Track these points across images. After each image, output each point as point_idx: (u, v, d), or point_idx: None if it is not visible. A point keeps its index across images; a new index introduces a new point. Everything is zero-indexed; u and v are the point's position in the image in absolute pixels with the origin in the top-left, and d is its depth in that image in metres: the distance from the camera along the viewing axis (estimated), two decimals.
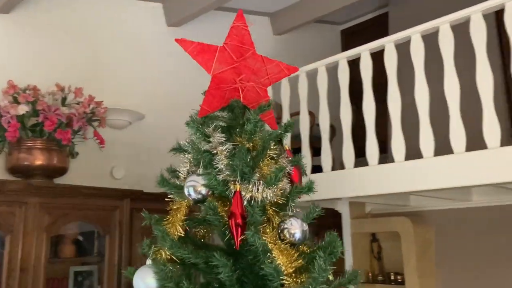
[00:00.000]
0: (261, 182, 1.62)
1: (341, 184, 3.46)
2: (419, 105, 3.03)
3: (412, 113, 3.08)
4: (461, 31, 3.00)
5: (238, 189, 1.59)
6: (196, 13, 4.09)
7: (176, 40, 1.94)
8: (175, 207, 1.71)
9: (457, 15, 2.96)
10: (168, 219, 1.68)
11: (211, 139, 1.69)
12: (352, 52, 3.58)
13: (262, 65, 2.00)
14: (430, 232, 4.09)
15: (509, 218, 3.82)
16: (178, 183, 1.76)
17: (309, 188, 1.80)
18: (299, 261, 1.53)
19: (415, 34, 3.18)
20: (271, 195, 1.62)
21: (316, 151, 3.86)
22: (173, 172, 1.86)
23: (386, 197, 3.87)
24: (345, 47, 6.00)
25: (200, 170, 1.68)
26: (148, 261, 1.62)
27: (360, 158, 3.43)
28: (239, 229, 1.53)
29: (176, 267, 1.64)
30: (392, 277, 4.27)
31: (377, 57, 3.44)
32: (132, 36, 3.94)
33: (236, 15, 2.09)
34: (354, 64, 3.60)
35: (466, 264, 3.84)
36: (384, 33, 5.25)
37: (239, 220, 1.53)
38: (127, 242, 2.86)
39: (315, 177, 3.38)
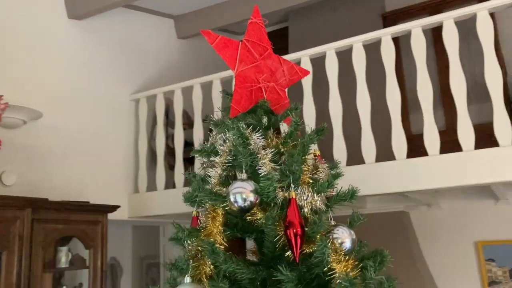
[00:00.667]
0: (310, 188, 1.51)
1: None
2: (332, 117, 3.23)
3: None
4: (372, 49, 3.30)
5: (293, 196, 1.43)
6: (101, 8, 3.82)
7: (202, 31, 1.76)
8: (209, 216, 1.50)
9: (370, 36, 3.24)
10: (205, 230, 1.47)
11: (251, 141, 1.54)
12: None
13: (279, 65, 1.90)
14: None
15: (395, 223, 4.24)
16: (209, 188, 1.56)
17: (352, 195, 1.65)
18: (355, 272, 1.39)
19: (330, 50, 3.36)
20: (320, 202, 1.50)
21: None
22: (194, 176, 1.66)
23: None
24: None
25: (244, 175, 1.51)
26: (187, 279, 1.38)
27: None
28: (299, 240, 1.37)
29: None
30: None
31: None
32: (31, 28, 3.53)
33: (253, 10, 1.95)
34: None
35: None
36: (285, 46, 5.51)
37: (299, 230, 1.37)
38: (27, 259, 2.51)
39: None
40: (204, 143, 1.79)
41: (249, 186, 1.50)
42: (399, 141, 2.98)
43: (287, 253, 1.43)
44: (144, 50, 4.62)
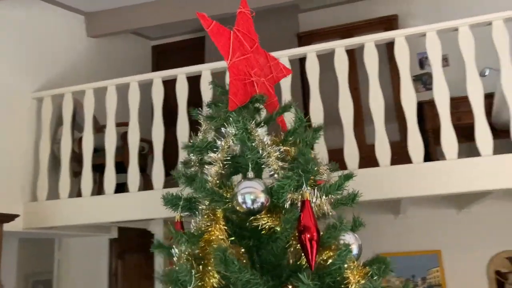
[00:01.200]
0: (318, 190, 1.36)
1: (154, 204, 3.34)
2: None
3: None
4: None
5: (307, 198, 1.30)
6: None
7: (198, 14, 1.63)
8: (208, 219, 1.27)
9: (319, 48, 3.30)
10: (207, 235, 1.24)
11: (255, 137, 1.36)
12: (168, 73, 3.58)
13: (266, 61, 1.77)
14: None
15: None
16: (209, 187, 1.34)
17: (353, 199, 1.56)
18: (366, 281, 1.31)
19: (205, 71, 3.42)
20: (328, 204, 1.38)
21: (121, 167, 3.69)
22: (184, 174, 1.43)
23: None
24: (157, 63, 5.93)
25: (251, 174, 1.33)
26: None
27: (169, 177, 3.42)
28: (315, 246, 1.24)
29: None
30: None
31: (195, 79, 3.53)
32: None
33: (241, 1, 1.85)
34: (168, 83, 3.59)
35: None
36: (201, 56, 5.43)
37: (315, 235, 1.24)
38: None
39: (122, 196, 3.34)
40: (189, 139, 1.61)
41: (259, 185, 1.35)
42: (350, 151, 3.03)
43: (295, 261, 1.32)
44: (50, 45, 4.22)
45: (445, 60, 4.80)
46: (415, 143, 2.91)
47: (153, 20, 4.97)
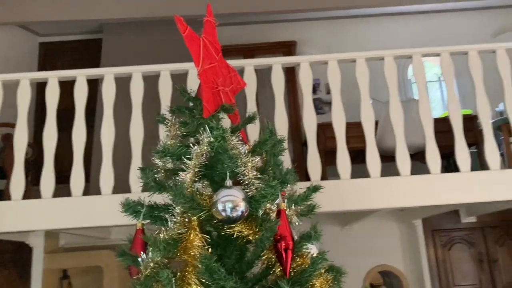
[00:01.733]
0: (288, 200, 1.33)
1: (36, 214, 3.08)
2: (103, 142, 3.10)
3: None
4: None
5: (284, 208, 1.31)
6: None
7: (176, 17, 1.58)
8: (182, 226, 1.10)
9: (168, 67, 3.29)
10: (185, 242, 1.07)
11: (231, 145, 1.28)
12: (65, 73, 3.32)
13: (227, 72, 1.67)
14: None
15: None
16: (188, 194, 1.26)
17: (311, 210, 1.57)
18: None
19: (108, 74, 3.27)
20: (294, 215, 1.36)
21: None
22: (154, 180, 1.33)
23: (87, 229, 3.68)
24: (43, 61, 5.49)
25: (228, 182, 1.23)
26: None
27: (62, 185, 3.19)
28: (290, 254, 1.25)
29: None
30: None
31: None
32: None
33: (207, 8, 1.81)
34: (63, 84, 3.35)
35: None
36: (96, 59, 5.16)
37: (290, 244, 1.26)
38: None
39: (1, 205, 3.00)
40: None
41: (240, 194, 1.33)
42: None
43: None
44: None
45: None
46: (314, 163, 3.09)
47: (36, 15, 4.63)
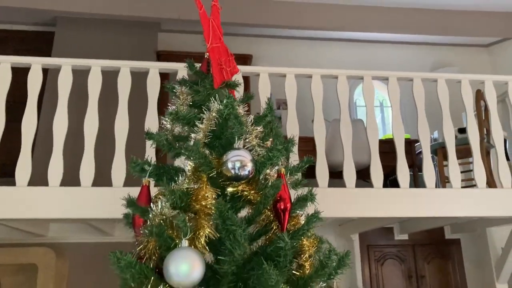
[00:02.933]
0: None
1: None
2: (55, 132, 3.03)
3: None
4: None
5: (283, 172, 1.46)
6: None
7: None
8: (192, 181, 1.11)
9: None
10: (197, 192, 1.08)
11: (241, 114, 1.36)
12: (19, 59, 3.20)
13: (227, 55, 1.71)
14: (65, 265, 3.95)
15: None
16: (202, 151, 1.38)
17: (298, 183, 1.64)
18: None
19: (66, 65, 3.22)
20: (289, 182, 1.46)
21: None
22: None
23: (26, 222, 3.51)
24: None
25: (237, 145, 1.38)
26: (185, 243, 1.16)
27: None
28: (287, 214, 1.41)
29: None
30: None
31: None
32: None
33: None
34: None
35: None
36: (47, 51, 5.01)
37: (289, 205, 1.40)
38: None
39: None
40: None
41: (248, 155, 1.45)
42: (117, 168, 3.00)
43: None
44: None
45: (285, 104, 5.39)
46: None
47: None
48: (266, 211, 1.51)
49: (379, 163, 3.29)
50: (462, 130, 4.08)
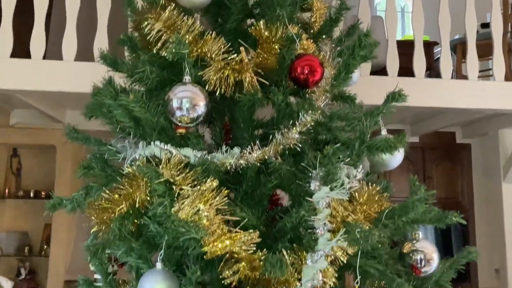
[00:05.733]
0: None
1: None
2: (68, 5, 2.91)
3: None
4: None
5: None
6: None
7: None
8: None
9: None
10: None
11: None
12: None
13: None
14: (81, 146, 4.07)
15: None
16: None
17: None
18: None
19: None
20: None
21: None
22: None
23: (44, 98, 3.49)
24: None
25: None
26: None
27: None
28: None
29: None
30: (32, 195, 4.02)
31: None
32: None
33: None
34: None
35: None
36: None
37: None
38: None
39: None
40: None
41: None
42: None
43: None
44: None
45: None
46: None
47: None
48: None
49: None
50: (486, 25, 3.91)
